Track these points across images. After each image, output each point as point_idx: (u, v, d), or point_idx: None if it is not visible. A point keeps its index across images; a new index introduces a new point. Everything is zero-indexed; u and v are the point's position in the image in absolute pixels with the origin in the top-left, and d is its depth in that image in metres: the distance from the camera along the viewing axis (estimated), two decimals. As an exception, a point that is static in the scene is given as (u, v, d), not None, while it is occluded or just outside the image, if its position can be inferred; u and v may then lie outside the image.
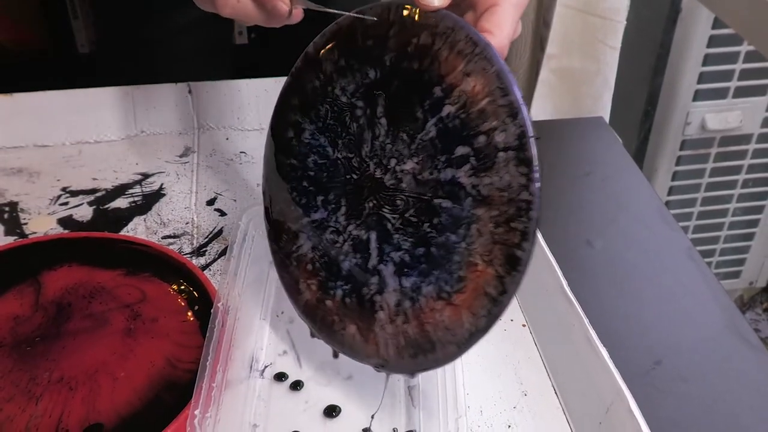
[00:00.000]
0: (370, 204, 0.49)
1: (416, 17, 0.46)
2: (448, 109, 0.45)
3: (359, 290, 0.50)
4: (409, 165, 0.47)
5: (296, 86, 0.52)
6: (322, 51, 0.50)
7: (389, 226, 0.48)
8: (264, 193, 0.56)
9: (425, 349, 0.47)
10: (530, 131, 0.42)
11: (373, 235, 0.49)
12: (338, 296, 0.51)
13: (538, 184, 0.42)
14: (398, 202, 0.48)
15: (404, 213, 0.48)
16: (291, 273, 0.54)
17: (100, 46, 1.06)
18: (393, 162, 0.48)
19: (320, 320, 0.53)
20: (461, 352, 0.46)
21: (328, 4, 0.93)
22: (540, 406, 0.56)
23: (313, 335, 0.54)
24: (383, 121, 0.48)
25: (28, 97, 0.81)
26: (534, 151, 0.42)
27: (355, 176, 0.50)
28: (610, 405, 0.50)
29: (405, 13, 0.46)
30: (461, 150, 0.44)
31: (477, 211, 0.44)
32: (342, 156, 0.50)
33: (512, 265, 0.43)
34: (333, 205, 0.51)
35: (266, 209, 0.56)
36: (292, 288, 0.54)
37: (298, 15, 0.51)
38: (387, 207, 0.48)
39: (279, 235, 0.55)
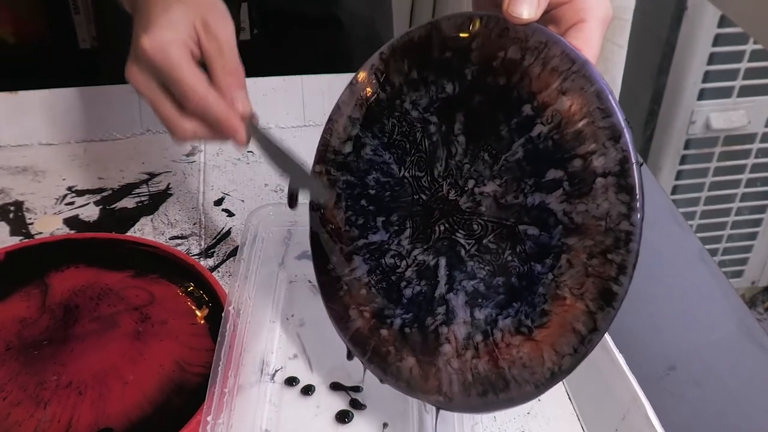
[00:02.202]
0: (441, 227, 0.46)
1: (504, 31, 0.42)
2: (539, 129, 0.41)
3: (422, 320, 0.46)
4: (490, 187, 0.44)
5: (357, 98, 0.49)
6: (391, 62, 0.47)
7: (462, 252, 0.45)
8: (314, 208, 0.52)
9: (497, 388, 0.43)
10: (634, 157, 0.39)
11: (443, 261, 0.46)
12: (396, 326, 0.47)
13: (640, 214, 0.38)
14: (475, 226, 0.45)
15: (482, 239, 0.44)
16: (340, 298, 0.50)
17: (102, 42, 1.05)
18: (471, 183, 0.45)
19: (372, 350, 0.48)
20: (538, 393, 0.42)
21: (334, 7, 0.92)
22: (554, 412, 0.55)
23: (365, 369, 0.51)
24: (461, 138, 0.45)
25: (33, 95, 0.80)
26: (637, 178, 0.39)
27: (424, 197, 0.47)
28: (626, 412, 0.50)
29: (490, 25, 0.43)
30: (553, 173, 0.41)
31: (568, 240, 0.41)
32: (410, 175, 0.47)
33: (606, 301, 0.39)
34: (396, 227, 0.48)
35: (312, 227, 0.52)
36: (340, 314, 0.50)
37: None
38: (461, 231, 0.45)
39: (328, 256, 0.51)
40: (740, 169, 1.61)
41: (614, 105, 0.39)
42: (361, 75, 0.49)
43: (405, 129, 0.47)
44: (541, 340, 0.41)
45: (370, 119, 0.49)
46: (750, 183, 1.63)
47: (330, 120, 0.51)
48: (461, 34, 0.44)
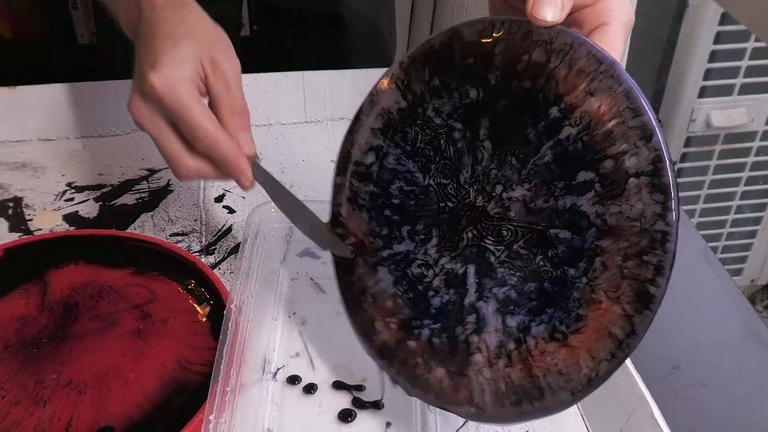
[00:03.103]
0: (469, 234, 0.46)
1: (527, 34, 0.42)
2: (567, 131, 0.41)
3: (452, 330, 0.46)
4: (518, 192, 0.43)
5: (378, 107, 0.48)
6: (411, 70, 0.47)
7: (492, 258, 0.45)
8: (334, 222, 0.52)
9: (531, 397, 0.42)
10: (667, 156, 0.38)
11: (472, 269, 0.45)
12: (424, 336, 0.47)
13: (675, 214, 0.38)
14: (504, 232, 0.44)
15: (511, 245, 0.44)
16: (365, 311, 0.49)
17: (100, 37, 1.04)
18: (499, 189, 0.44)
19: (400, 363, 0.48)
20: (575, 401, 0.41)
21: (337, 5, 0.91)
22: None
23: (395, 383, 0.50)
24: (487, 144, 0.45)
25: (32, 90, 0.79)
26: (671, 177, 0.38)
27: (450, 204, 0.46)
28: (631, 411, 0.49)
29: (512, 29, 0.42)
30: (584, 175, 0.41)
31: (602, 242, 0.40)
32: (435, 182, 0.47)
33: (643, 303, 0.39)
34: (422, 236, 0.47)
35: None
36: (365, 327, 0.50)
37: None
38: (490, 238, 0.45)
39: (351, 268, 0.50)
40: (741, 167, 1.61)
41: (644, 104, 0.39)
42: (382, 85, 0.48)
43: (428, 137, 0.47)
44: (576, 345, 0.41)
45: (393, 128, 0.48)
46: (750, 181, 1.63)
47: (350, 131, 0.50)
48: (483, 40, 0.44)
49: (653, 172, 0.39)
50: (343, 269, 0.51)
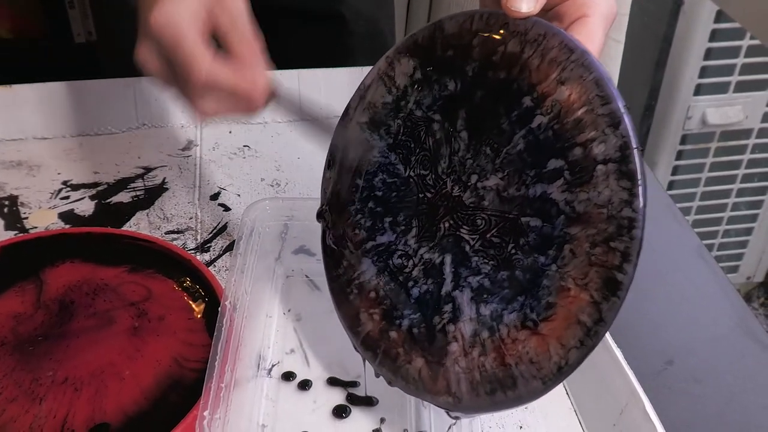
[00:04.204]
0: (446, 224, 0.46)
1: (504, 25, 0.43)
2: (539, 120, 0.42)
3: (429, 319, 0.46)
4: (492, 181, 0.44)
5: (365, 102, 0.49)
6: (396, 64, 0.48)
7: (467, 248, 0.45)
8: (322, 215, 0.53)
9: (505, 385, 0.43)
10: (634, 142, 0.39)
11: (448, 259, 0.46)
12: (405, 327, 0.47)
13: (642, 200, 0.38)
14: (479, 221, 0.45)
15: (485, 233, 0.44)
16: (351, 302, 0.50)
17: (98, 36, 1.04)
18: (474, 178, 0.45)
19: (382, 353, 0.48)
20: (547, 389, 0.42)
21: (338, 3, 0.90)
22: (552, 407, 0.55)
23: (377, 374, 0.50)
24: (464, 134, 0.45)
25: (28, 89, 0.79)
26: (638, 163, 0.39)
27: (429, 195, 0.47)
28: (624, 406, 0.49)
29: (490, 21, 0.43)
30: (554, 163, 0.41)
31: (571, 229, 0.40)
32: (415, 174, 0.47)
33: (611, 290, 0.39)
34: (403, 227, 0.48)
35: (324, 233, 0.52)
36: (350, 319, 0.50)
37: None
38: (465, 227, 0.45)
39: (338, 261, 0.51)
40: (736, 164, 1.61)
41: (613, 92, 0.39)
42: (368, 79, 0.49)
43: (410, 129, 0.47)
44: (547, 333, 0.41)
45: (377, 122, 0.49)
46: (746, 178, 1.63)
47: (339, 126, 0.51)
48: (463, 32, 0.44)
49: (620, 158, 0.39)
50: (331, 262, 0.52)
